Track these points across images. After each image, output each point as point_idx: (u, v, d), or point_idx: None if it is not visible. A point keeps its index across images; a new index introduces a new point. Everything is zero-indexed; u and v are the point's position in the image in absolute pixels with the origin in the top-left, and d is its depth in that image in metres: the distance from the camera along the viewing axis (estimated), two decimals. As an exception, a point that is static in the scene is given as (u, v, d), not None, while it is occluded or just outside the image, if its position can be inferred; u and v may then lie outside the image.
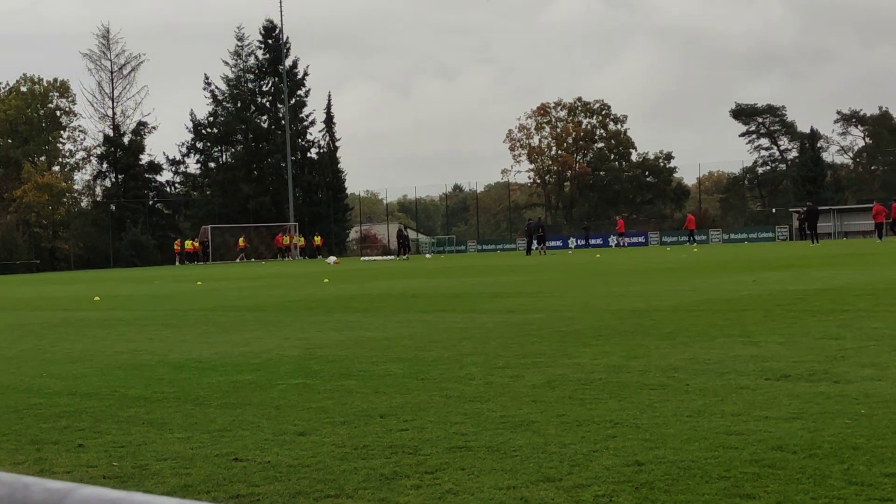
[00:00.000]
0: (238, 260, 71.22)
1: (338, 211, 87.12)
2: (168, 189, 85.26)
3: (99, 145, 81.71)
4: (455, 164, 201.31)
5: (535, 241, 52.40)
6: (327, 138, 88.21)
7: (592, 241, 70.16)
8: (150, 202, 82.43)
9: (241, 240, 73.44)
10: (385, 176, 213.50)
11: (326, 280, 27.82)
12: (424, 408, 6.39)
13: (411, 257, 57.64)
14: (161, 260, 75.34)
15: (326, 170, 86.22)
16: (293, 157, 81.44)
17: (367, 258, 63.30)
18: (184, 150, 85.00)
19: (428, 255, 63.97)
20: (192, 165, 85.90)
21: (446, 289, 20.79)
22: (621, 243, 66.16)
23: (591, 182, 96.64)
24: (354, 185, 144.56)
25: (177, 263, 71.48)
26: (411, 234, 62.18)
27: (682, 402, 6.20)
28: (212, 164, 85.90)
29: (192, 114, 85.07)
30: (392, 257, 62.32)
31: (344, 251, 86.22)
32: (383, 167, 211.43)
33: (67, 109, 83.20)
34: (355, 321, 13.33)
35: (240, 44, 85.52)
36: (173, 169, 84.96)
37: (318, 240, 77.34)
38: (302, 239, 76.83)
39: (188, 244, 73.09)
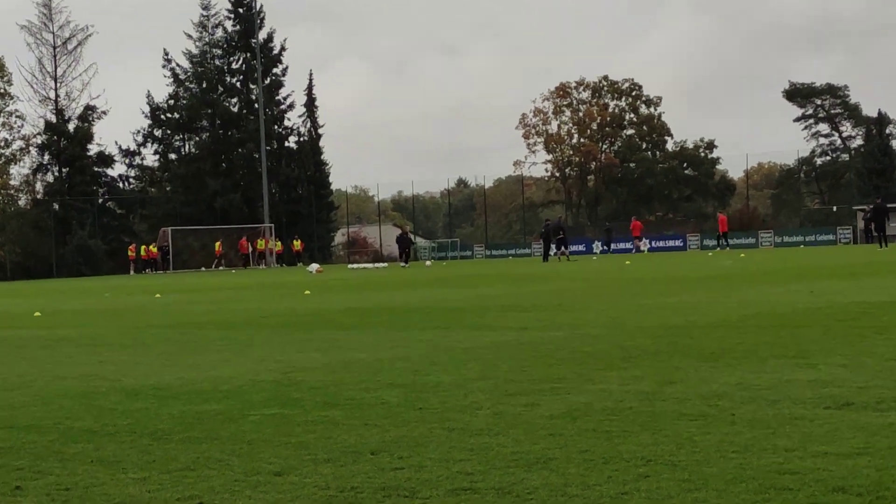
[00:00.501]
0: (215, 267, 71.25)
1: (321, 210, 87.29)
2: (121, 185, 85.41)
3: (39, 133, 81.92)
4: (459, 155, 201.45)
5: (553, 245, 52.45)
6: (308, 125, 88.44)
7: (618, 245, 69.98)
8: (100, 200, 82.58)
9: (217, 244, 73.32)
10: (377, 169, 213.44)
11: (308, 292, 27.88)
12: (423, 442, 6.40)
13: (410, 264, 57.72)
14: (113, 268, 75.47)
15: (307, 162, 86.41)
16: (268, 147, 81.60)
17: (355, 266, 63.45)
18: (139, 138, 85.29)
19: (427, 262, 64.08)
20: (150, 157, 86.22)
21: (449, 302, 20.82)
22: (638, 248, 65.96)
23: (619, 175, 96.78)
24: (341, 179, 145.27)
25: (131, 272, 71.59)
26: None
27: (727, 435, 6.21)
28: (172, 156, 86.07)
29: (148, 96, 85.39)
30: (384, 265, 62.40)
31: (329, 257, 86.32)
32: (374, 159, 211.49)
33: (2, 91, 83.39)
34: (342, 340, 13.35)
35: (205, 14, 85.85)
36: (127, 161, 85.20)
37: (297, 244, 77.55)
38: (279, 243, 76.95)
39: (144, 250, 73.21)
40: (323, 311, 19.49)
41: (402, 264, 56.29)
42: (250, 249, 74.64)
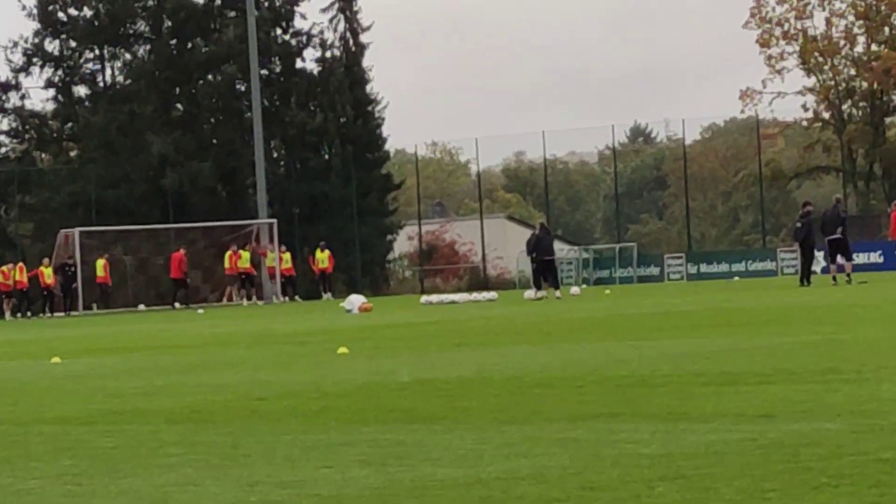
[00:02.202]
0: (227, 300, 72.01)
1: (368, 192, 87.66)
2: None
3: None
4: (631, 83, 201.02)
5: (818, 252, 52.26)
6: (343, 27, 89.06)
7: None
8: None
9: (228, 254, 73.19)
10: (474, 113, 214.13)
11: (344, 349, 28.00)
12: None
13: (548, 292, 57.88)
14: (-28, 308, 76.61)
15: (341, 99, 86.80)
16: (264, 72, 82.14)
17: (434, 298, 63.53)
18: (19, 59, 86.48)
19: (574, 289, 64.15)
20: (38, 94, 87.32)
21: (616, 368, 20.84)
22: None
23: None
24: (404, 133, 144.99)
25: (7, 315, 72.40)
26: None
27: None
28: (82, 91, 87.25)
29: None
30: (492, 295, 62.49)
31: (382, 282, 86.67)
32: (469, 92, 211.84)
33: None
34: (410, 442, 13.41)
35: None
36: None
37: (323, 257, 77.71)
38: (287, 255, 77.23)
39: (29, 273, 73.96)
40: (372, 388, 19.58)
41: (534, 294, 56.35)
42: (227, 266, 75.01)
